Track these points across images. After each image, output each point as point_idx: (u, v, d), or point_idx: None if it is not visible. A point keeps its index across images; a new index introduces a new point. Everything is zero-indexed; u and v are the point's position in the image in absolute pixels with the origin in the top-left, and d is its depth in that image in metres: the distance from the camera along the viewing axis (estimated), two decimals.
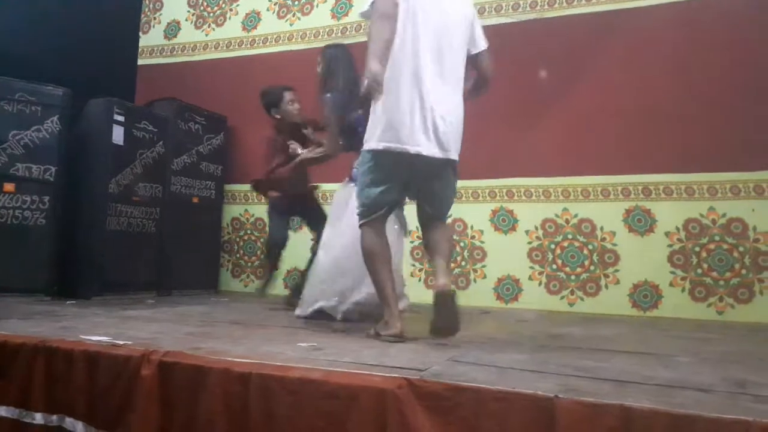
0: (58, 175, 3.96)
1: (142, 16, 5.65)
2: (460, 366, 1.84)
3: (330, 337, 2.49)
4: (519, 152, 4.19)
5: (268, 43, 5.12)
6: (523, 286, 4.12)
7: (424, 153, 2.30)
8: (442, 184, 2.46)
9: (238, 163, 5.13)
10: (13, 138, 3.85)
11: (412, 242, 4.42)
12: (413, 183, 2.46)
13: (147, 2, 5.64)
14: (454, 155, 2.40)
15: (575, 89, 4.04)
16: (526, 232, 4.15)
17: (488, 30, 4.21)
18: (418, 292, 4.29)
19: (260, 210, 4.98)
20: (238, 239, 5.09)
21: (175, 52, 5.48)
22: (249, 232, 5.04)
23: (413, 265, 4.43)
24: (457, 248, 4.32)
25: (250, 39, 5.20)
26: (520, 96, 4.18)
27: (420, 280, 4.40)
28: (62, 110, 4.01)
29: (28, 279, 3.81)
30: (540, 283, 4.08)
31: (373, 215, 2.42)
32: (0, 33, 4.37)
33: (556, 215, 4.08)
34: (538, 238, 4.12)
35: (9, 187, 3.82)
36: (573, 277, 4.00)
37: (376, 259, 2.39)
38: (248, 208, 5.07)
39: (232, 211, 5.15)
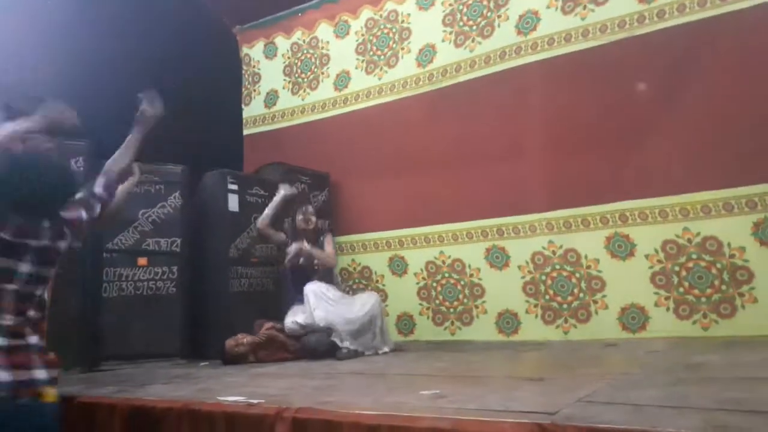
0: (183, 245, 4.27)
1: (243, 89, 6.06)
2: (593, 407, 1.76)
3: (450, 384, 2.47)
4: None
5: (359, 99, 5.30)
6: (650, 314, 3.88)
7: None
8: None
9: (343, 215, 5.29)
10: (143, 216, 4.21)
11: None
12: None
13: (246, 77, 6.05)
14: None
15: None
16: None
17: (573, 56, 4.27)
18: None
19: (367, 259, 5.09)
20: (347, 289, 5.21)
21: (275, 119, 5.81)
22: (357, 281, 5.14)
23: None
24: (573, 280, 4.16)
25: (342, 98, 5.42)
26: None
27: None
28: (182, 186, 4.35)
29: (164, 344, 4.07)
30: (668, 309, 3.83)
31: None
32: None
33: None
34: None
35: (142, 261, 4.16)
36: (703, 299, 3.72)
37: None
38: (355, 257, 5.19)
39: (340, 261, 5.28)
